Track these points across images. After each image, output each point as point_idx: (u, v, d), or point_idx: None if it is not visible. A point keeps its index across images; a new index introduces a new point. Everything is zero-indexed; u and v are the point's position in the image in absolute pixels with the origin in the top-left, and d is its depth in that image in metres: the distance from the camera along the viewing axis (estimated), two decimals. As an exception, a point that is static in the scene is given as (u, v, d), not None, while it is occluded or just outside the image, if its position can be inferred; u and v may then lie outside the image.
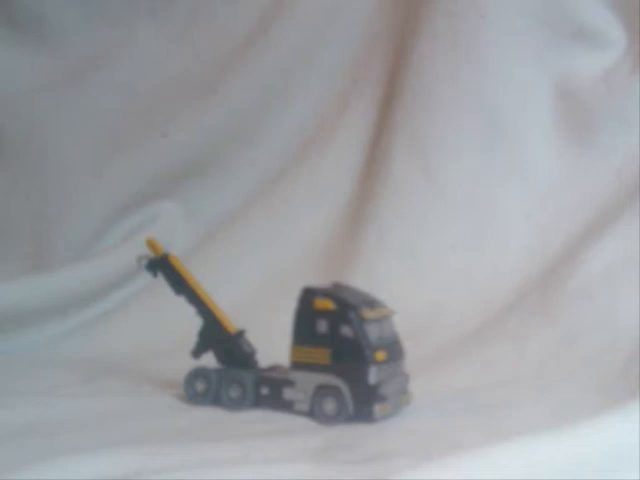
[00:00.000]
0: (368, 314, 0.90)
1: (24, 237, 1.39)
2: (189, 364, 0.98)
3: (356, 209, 1.32)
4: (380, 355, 0.88)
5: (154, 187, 1.39)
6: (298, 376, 0.91)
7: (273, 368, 0.96)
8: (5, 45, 1.44)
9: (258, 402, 0.93)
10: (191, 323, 1.00)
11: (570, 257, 1.16)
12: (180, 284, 1.01)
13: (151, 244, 1.03)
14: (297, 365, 0.91)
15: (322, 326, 0.90)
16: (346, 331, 0.89)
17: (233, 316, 1.00)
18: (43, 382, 1.06)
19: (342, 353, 0.89)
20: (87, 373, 1.10)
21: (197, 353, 0.99)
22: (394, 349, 0.91)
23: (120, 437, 0.81)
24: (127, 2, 1.41)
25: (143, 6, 1.41)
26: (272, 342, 0.96)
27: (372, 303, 0.92)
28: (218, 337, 0.98)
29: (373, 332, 0.89)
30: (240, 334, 0.98)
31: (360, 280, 1.13)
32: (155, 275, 1.02)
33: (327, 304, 0.90)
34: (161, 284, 1.03)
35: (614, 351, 1.03)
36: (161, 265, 1.02)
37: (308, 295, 0.91)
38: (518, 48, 1.27)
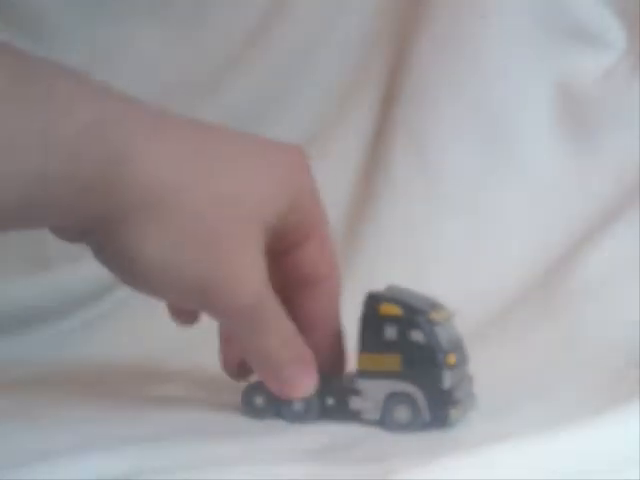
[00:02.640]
0: (435, 317, 0.86)
1: (24, 237, 1.39)
2: (190, 364, 0.97)
3: (356, 209, 1.32)
4: (452, 358, 0.85)
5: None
6: (365, 384, 0.86)
7: (336, 377, 0.91)
8: (5, 45, 1.44)
9: (323, 413, 0.87)
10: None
11: (570, 257, 1.16)
12: None
13: None
14: (365, 373, 0.87)
15: (390, 332, 0.85)
16: (416, 336, 0.84)
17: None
18: (43, 382, 1.06)
19: (413, 359, 0.84)
20: (87, 373, 1.10)
21: None
22: (461, 351, 0.88)
23: (120, 437, 0.81)
24: (127, 2, 1.41)
25: (143, 6, 1.41)
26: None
27: (434, 305, 0.88)
28: None
29: (443, 335, 0.85)
30: None
31: (360, 280, 1.12)
32: None
33: (394, 309, 0.86)
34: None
35: (614, 351, 1.03)
36: None
37: (372, 301, 0.87)
38: (518, 48, 1.27)
